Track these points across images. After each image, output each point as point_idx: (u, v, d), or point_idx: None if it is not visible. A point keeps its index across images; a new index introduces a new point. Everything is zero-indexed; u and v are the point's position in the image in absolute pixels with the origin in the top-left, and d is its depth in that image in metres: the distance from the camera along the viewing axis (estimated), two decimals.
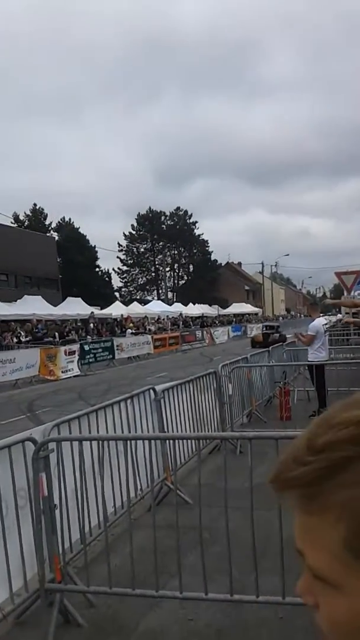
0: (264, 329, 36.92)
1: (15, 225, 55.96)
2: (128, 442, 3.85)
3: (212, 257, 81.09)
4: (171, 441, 5.51)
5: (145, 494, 5.21)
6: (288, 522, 3.30)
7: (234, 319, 54.67)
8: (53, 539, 3.62)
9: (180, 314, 44.17)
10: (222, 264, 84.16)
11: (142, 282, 79.05)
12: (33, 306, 28.62)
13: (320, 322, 9.84)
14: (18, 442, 3.61)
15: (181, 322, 40.72)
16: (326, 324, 9.70)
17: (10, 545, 3.41)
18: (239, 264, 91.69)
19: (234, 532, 3.41)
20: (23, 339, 22.52)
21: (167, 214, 78.80)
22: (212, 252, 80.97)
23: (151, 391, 6.13)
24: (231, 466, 3.49)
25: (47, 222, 62.89)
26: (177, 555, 3.49)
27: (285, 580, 3.21)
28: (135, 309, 40.66)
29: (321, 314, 10.64)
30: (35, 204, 63.18)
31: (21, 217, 61.38)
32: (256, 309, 69.34)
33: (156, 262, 78.34)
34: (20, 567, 3.51)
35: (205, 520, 3.53)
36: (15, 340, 22.10)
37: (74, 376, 21.03)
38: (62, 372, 20.74)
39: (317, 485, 0.56)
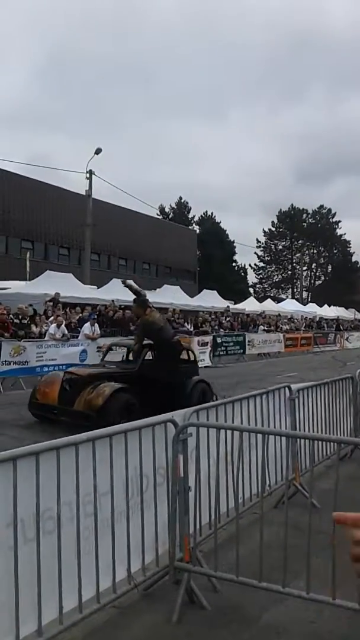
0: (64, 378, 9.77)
1: (161, 217, 57.99)
2: (265, 435, 3.87)
3: (353, 259, 77.92)
4: (303, 442, 5.45)
5: (274, 490, 5.20)
6: None
7: None
8: (185, 519, 3.75)
9: (315, 315, 43.09)
10: None
11: (277, 280, 78.04)
12: (171, 296, 29.53)
13: None
14: (161, 422, 3.79)
15: (315, 324, 39.69)
16: None
17: (147, 519, 3.59)
18: None
19: None
20: None
21: (310, 212, 77.02)
22: (353, 253, 77.81)
23: (286, 389, 6.08)
24: None
25: (190, 216, 64.35)
26: (301, 555, 3.46)
27: None
28: (269, 306, 40.34)
29: None
30: (180, 197, 64.92)
31: (167, 210, 63.40)
32: None
33: (293, 261, 76.90)
34: (153, 542, 3.69)
35: (332, 526, 3.47)
36: None
37: (205, 367, 21.40)
38: None
39: None
